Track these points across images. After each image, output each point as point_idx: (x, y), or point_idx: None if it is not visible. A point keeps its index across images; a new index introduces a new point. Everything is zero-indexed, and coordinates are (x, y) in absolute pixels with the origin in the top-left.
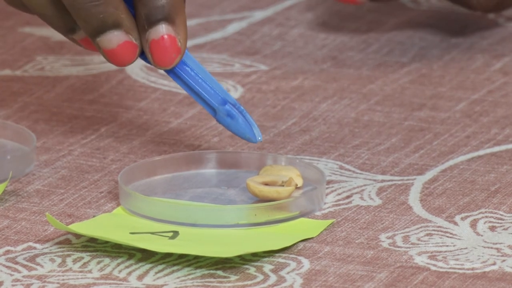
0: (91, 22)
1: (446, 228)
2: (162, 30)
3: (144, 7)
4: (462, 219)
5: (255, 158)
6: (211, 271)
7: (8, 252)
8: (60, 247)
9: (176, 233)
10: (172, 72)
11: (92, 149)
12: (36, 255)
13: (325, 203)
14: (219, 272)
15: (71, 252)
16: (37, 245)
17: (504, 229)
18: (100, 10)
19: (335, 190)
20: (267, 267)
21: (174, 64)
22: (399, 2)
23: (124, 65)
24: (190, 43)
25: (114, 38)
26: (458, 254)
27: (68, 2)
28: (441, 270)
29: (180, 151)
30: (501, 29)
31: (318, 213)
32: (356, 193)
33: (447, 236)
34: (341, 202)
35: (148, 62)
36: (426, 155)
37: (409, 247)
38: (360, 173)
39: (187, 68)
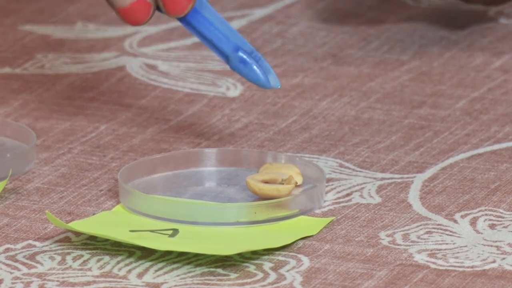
0: None
1: (446, 226)
2: None
3: None
4: (462, 217)
5: (255, 156)
6: (211, 269)
7: (8, 250)
8: (60, 245)
9: (176, 231)
10: (184, 21)
11: (92, 147)
12: (36, 253)
13: (325, 201)
14: (219, 270)
15: (71, 250)
16: (37, 243)
17: (504, 227)
18: None
19: (335, 188)
20: (267, 265)
21: (186, 12)
22: None
23: (138, 24)
24: (190, 40)
25: None
26: (458, 252)
27: None
28: (440, 268)
29: (180, 149)
30: (501, 26)
31: (317, 211)
32: (356, 191)
33: (447, 234)
34: (341, 200)
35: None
36: (426, 153)
37: (409, 245)
38: (360, 171)
39: (199, 16)
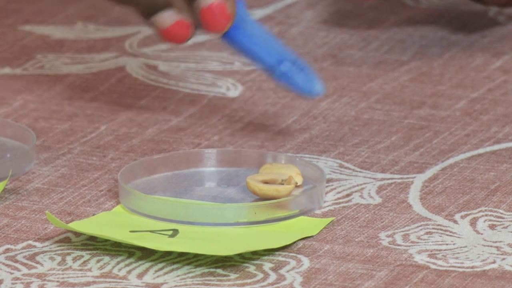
0: (143, 4)
1: (446, 227)
2: None
3: None
4: (462, 217)
5: (255, 156)
6: (211, 270)
7: (8, 250)
8: (60, 246)
9: (176, 232)
10: (225, 37)
11: (92, 147)
12: (36, 253)
13: (325, 202)
14: (219, 271)
15: (71, 251)
16: (37, 244)
17: (503, 227)
18: None
19: (335, 189)
20: (267, 266)
21: (225, 30)
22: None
23: (180, 43)
24: (190, 40)
25: (167, 18)
26: (458, 253)
27: None
28: (440, 268)
29: (180, 149)
30: (501, 27)
31: (318, 212)
32: (356, 191)
33: (447, 235)
34: (341, 200)
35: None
36: (426, 153)
37: (409, 246)
38: (360, 172)
39: (240, 31)
